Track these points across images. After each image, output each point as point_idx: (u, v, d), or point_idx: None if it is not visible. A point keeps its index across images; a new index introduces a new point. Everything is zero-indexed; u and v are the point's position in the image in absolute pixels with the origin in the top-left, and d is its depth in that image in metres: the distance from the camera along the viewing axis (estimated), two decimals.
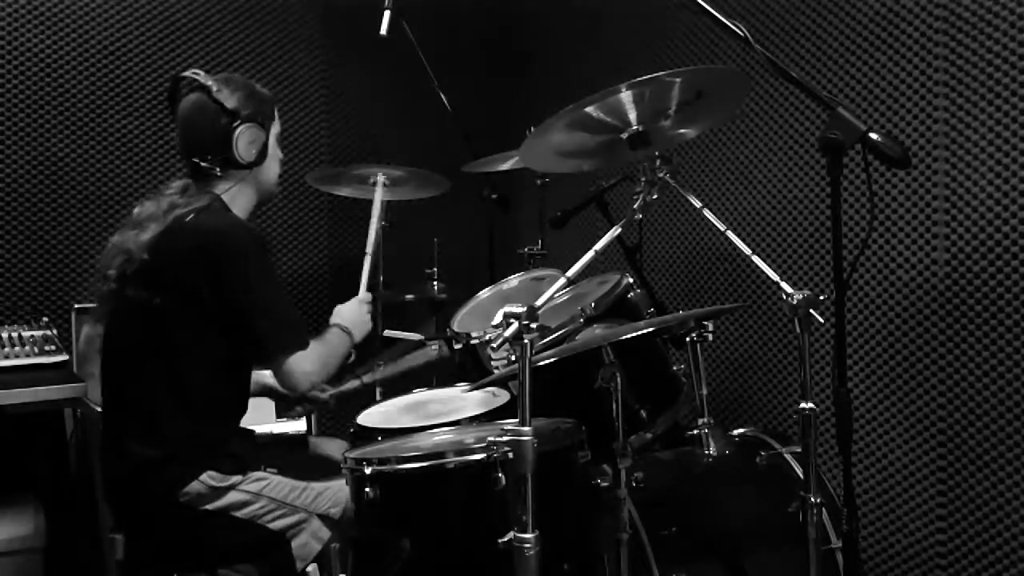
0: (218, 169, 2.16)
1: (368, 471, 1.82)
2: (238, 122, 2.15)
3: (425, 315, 3.36)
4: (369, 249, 2.70)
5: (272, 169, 2.29)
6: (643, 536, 1.98)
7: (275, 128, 2.28)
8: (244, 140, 2.15)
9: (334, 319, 2.36)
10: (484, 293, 2.88)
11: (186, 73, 2.20)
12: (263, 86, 2.30)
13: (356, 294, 2.50)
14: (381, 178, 2.98)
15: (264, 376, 2.34)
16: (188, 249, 2.07)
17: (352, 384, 2.61)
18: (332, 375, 2.29)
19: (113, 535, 2.12)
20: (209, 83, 2.15)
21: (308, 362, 2.14)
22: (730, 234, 1.91)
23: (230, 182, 2.20)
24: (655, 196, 1.93)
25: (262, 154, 2.21)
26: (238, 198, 2.21)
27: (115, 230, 2.22)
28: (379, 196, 2.89)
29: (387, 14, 2.97)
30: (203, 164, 2.16)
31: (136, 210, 2.19)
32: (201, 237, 2.07)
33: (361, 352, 2.51)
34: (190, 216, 2.09)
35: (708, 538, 2.13)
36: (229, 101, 2.15)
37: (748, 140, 2.96)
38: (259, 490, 2.11)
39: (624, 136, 1.93)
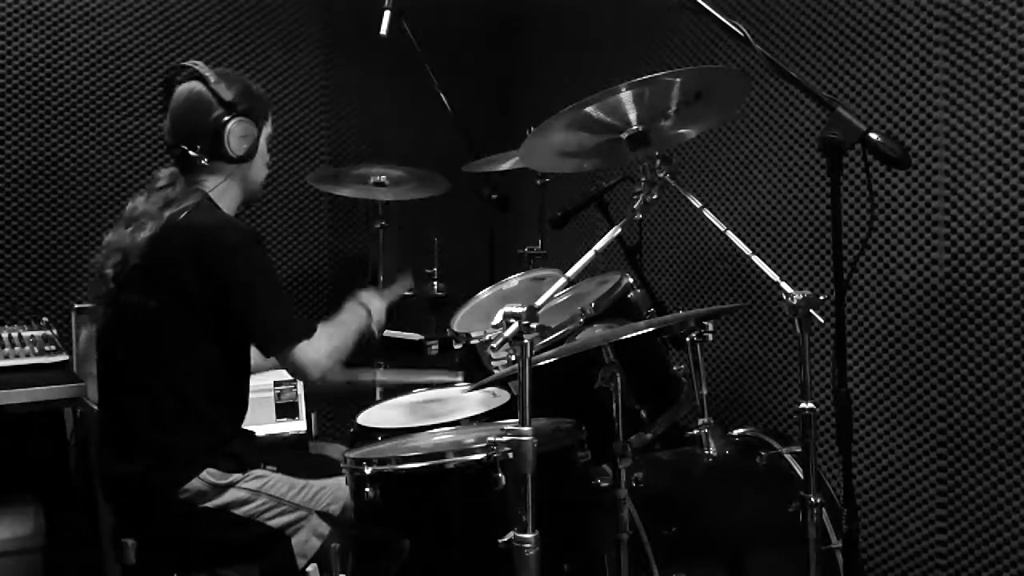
0: (206, 160, 2.15)
1: (368, 471, 1.82)
2: (232, 115, 2.15)
3: (425, 315, 3.36)
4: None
5: (259, 169, 2.29)
6: (643, 536, 1.98)
7: (267, 129, 2.27)
8: (236, 133, 2.15)
9: (356, 297, 2.37)
10: (484, 293, 2.88)
11: (186, 63, 2.20)
12: (262, 86, 2.30)
13: (355, 291, 2.48)
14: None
15: None
16: (181, 249, 2.06)
17: (367, 376, 2.60)
18: (345, 357, 2.24)
19: (124, 540, 2.10)
20: (207, 74, 2.16)
21: (315, 350, 2.12)
22: (730, 234, 1.91)
23: (218, 176, 2.19)
24: (655, 196, 1.93)
25: (251, 151, 2.20)
26: (226, 195, 2.21)
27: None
28: None
29: (387, 14, 2.97)
30: (191, 153, 2.15)
31: (129, 206, 2.19)
32: (193, 236, 2.07)
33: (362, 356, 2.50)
34: (182, 215, 2.09)
35: (708, 538, 2.13)
36: (226, 93, 2.15)
37: (748, 140, 2.96)
38: (259, 487, 2.11)
39: (624, 136, 1.93)
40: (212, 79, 2.15)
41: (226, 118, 2.14)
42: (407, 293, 2.77)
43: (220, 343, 2.11)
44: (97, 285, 2.15)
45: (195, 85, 2.16)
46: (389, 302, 2.49)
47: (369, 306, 2.36)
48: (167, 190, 2.17)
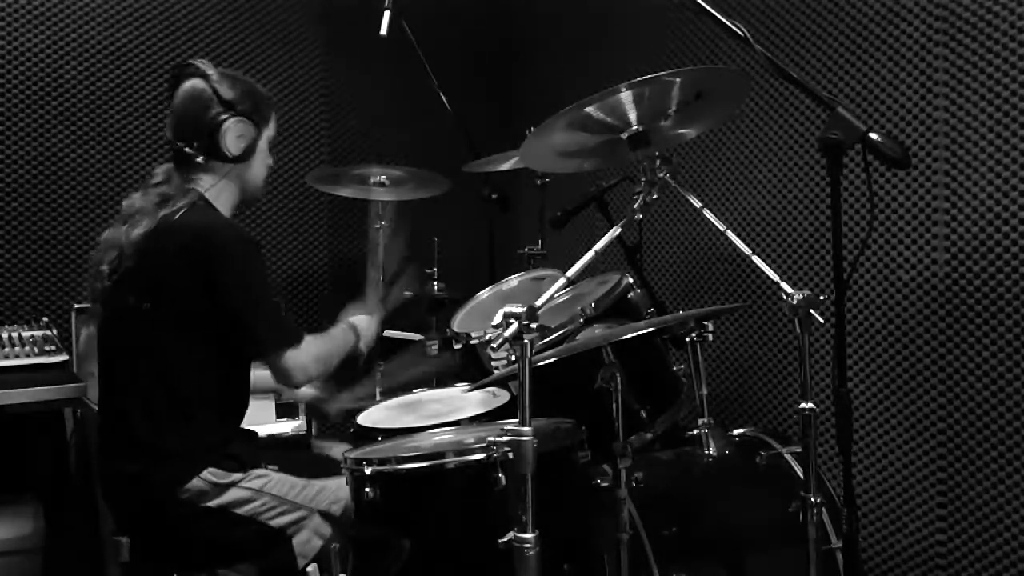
0: (201, 158, 2.15)
1: (368, 471, 1.82)
2: (230, 114, 2.14)
3: (425, 315, 3.36)
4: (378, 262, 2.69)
5: (258, 170, 2.27)
6: (643, 536, 1.98)
7: (268, 131, 2.27)
8: (232, 133, 2.15)
9: (347, 317, 2.38)
10: (484, 293, 2.88)
11: (191, 60, 2.21)
12: (263, 87, 2.30)
13: (357, 293, 2.48)
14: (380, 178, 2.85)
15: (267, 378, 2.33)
16: (175, 250, 2.06)
17: (353, 401, 2.64)
18: (330, 370, 2.27)
19: (117, 538, 2.11)
20: (210, 72, 2.16)
21: (304, 356, 2.14)
22: (730, 234, 1.91)
23: (214, 176, 2.19)
24: (655, 196, 1.93)
25: (248, 151, 2.20)
26: (222, 195, 2.20)
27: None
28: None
29: (387, 14, 2.97)
30: (187, 150, 2.15)
31: (125, 203, 2.19)
32: (188, 237, 2.07)
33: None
34: (176, 215, 2.09)
35: (708, 538, 2.13)
36: (227, 92, 2.15)
37: (748, 140, 2.96)
38: (260, 487, 2.11)
39: (624, 136, 1.93)
40: (214, 77, 2.16)
41: (223, 116, 2.13)
42: (407, 294, 2.78)
43: (216, 344, 2.10)
44: (94, 282, 2.16)
45: (197, 83, 2.16)
46: (381, 317, 2.51)
47: (359, 329, 2.37)
48: (163, 187, 2.17)
